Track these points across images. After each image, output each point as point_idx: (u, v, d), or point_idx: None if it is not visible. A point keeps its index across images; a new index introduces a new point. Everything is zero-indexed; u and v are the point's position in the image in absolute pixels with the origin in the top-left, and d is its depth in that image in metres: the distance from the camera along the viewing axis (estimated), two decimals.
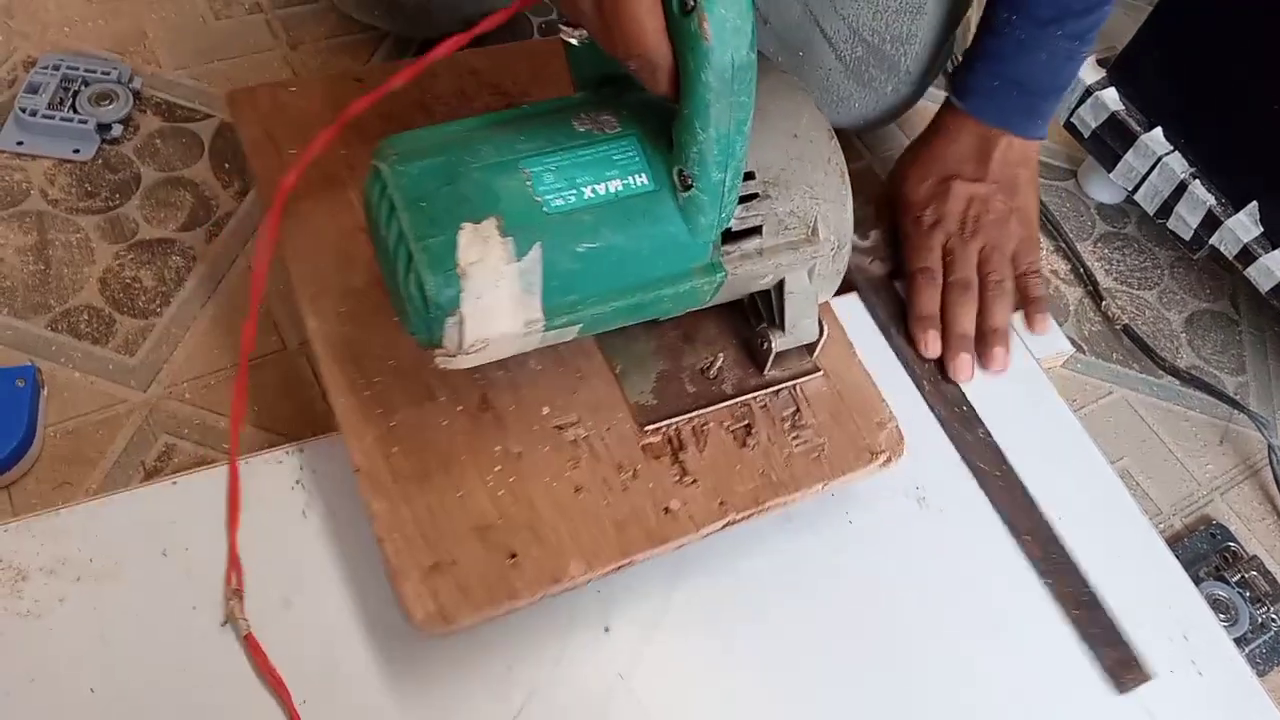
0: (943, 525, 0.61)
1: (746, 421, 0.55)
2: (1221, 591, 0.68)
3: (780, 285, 0.52)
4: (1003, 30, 0.69)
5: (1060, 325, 0.78)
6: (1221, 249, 0.80)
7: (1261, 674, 0.65)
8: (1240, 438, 0.79)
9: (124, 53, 0.77)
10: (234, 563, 0.50)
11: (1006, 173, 0.71)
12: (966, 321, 0.67)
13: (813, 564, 0.57)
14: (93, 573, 0.49)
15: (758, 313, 0.55)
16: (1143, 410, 0.79)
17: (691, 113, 0.41)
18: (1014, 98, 0.70)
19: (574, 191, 0.43)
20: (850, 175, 0.52)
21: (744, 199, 0.47)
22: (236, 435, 0.53)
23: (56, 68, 0.72)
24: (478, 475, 0.49)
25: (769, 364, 0.55)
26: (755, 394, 0.55)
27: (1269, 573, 0.70)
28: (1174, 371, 0.80)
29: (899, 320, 0.68)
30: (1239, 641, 0.65)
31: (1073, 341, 0.80)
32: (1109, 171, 0.85)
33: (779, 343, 0.54)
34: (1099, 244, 0.89)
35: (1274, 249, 0.76)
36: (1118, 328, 0.83)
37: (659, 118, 0.44)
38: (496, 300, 0.42)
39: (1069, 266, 0.87)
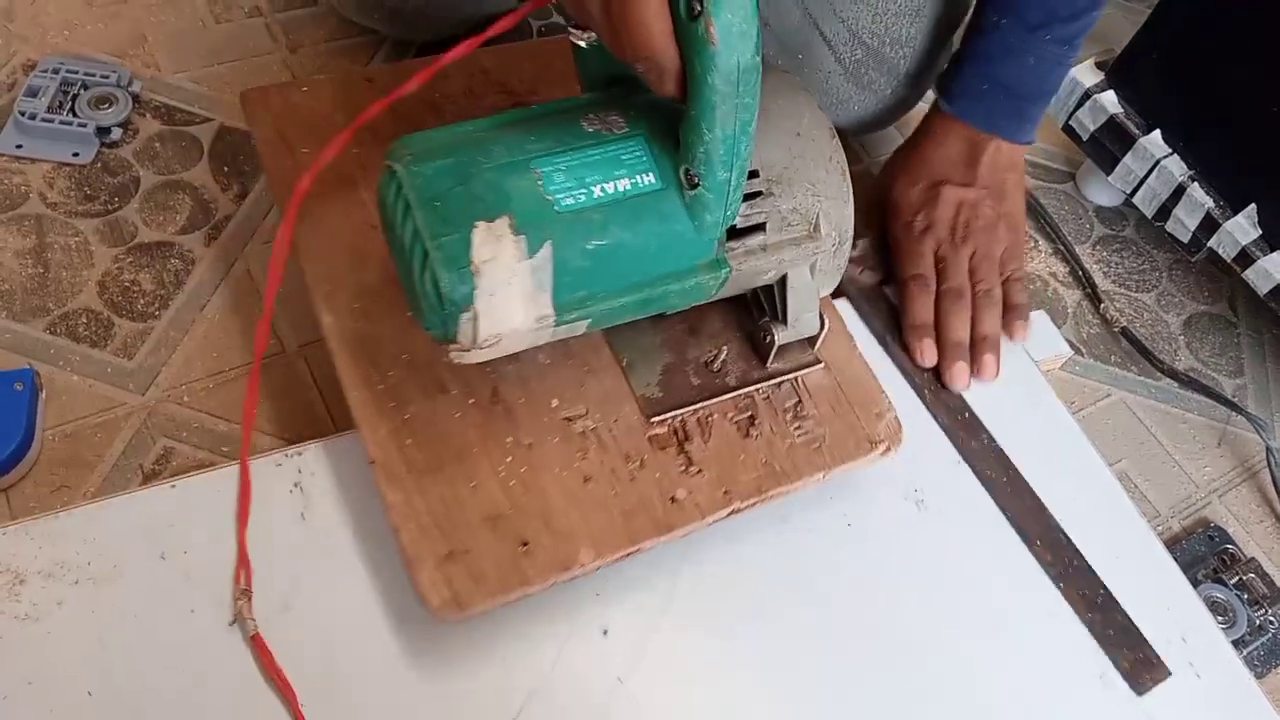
0: (943, 528, 0.61)
1: (750, 413, 0.56)
2: (1219, 594, 0.68)
3: (783, 280, 0.53)
4: (991, 34, 0.69)
5: (1059, 328, 0.78)
6: (1220, 252, 0.80)
7: (1260, 676, 0.65)
8: (1238, 440, 0.79)
9: (123, 56, 0.77)
10: (243, 562, 0.50)
11: (995, 178, 0.71)
12: (961, 330, 0.67)
13: (811, 567, 0.57)
14: (91, 576, 0.49)
15: (760, 307, 0.57)
16: (1141, 412, 0.79)
17: (698, 114, 0.42)
18: (1002, 102, 0.70)
19: (584, 190, 0.44)
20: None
21: (748, 197, 0.48)
22: (249, 433, 0.53)
23: (56, 71, 0.72)
24: (489, 466, 0.51)
25: (771, 357, 0.56)
26: (758, 386, 0.57)
27: (1267, 575, 0.70)
28: (1172, 374, 0.80)
29: (894, 329, 0.68)
30: (1237, 644, 0.65)
31: (1071, 344, 0.80)
32: (1107, 174, 0.86)
33: (781, 336, 0.55)
34: (1097, 246, 0.89)
35: (1272, 251, 0.77)
36: (1116, 330, 0.83)
37: (665, 118, 0.46)
38: (509, 297, 0.43)
39: (1067, 269, 0.87)
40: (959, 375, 0.66)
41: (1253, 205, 0.77)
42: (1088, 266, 0.87)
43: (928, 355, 0.66)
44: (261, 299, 0.67)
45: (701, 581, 0.55)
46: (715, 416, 0.55)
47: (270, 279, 0.50)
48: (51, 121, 0.70)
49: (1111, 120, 0.83)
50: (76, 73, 0.73)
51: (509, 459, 0.51)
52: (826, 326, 0.56)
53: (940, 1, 0.73)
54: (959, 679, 0.56)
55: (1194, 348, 0.84)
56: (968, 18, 0.73)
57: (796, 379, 0.58)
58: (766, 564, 0.57)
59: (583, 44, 0.45)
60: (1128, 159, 0.83)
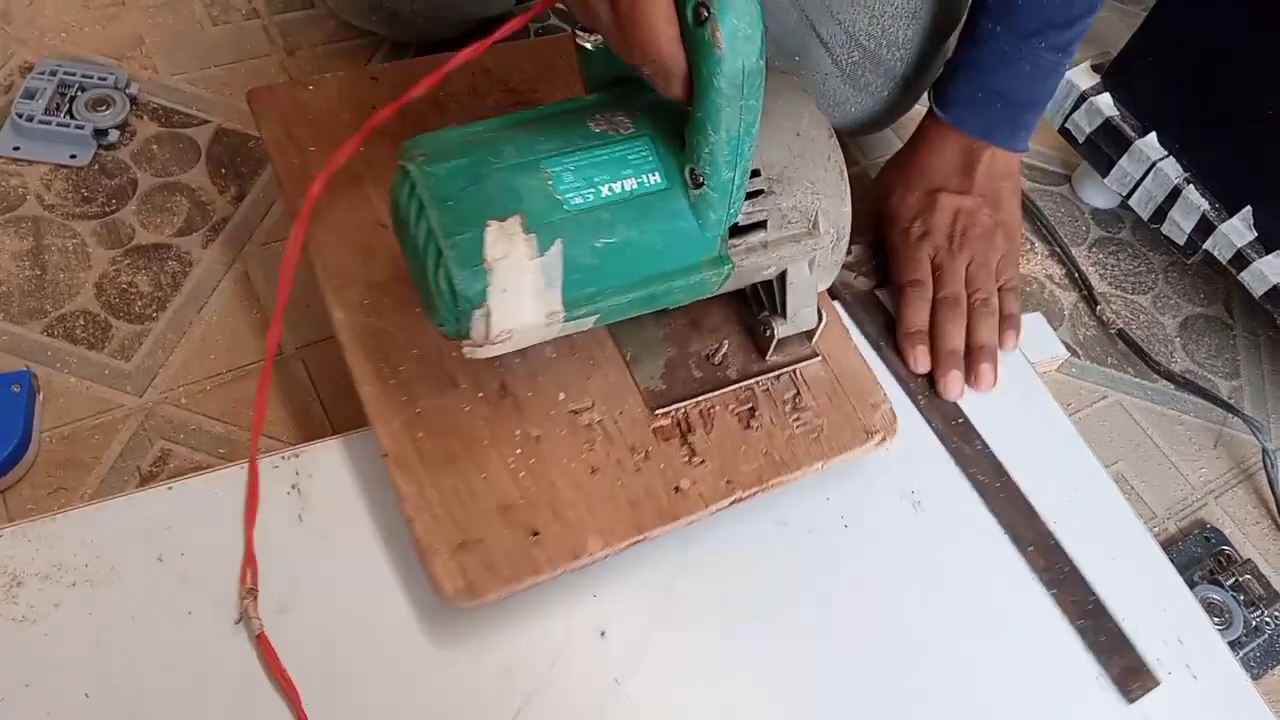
0: (940, 530, 0.61)
1: (750, 404, 0.58)
2: (1216, 595, 0.68)
3: (782, 276, 0.54)
4: (986, 41, 0.69)
5: (1055, 330, 0.79)
6: (1215, 254, 0.80)
7: (1256, 677, 0.66)
8: (1234, 442, 0.79)
9: (121, 58, 0.77)
10: (249, 561, 0.50)
11: (991, 185, 0.72)
12: (956, 338, 0.67)
13: (808, 568, 0.57)
14: (88, 578, 0.49)
15: (760, 301, 0.58)
16: (1137, 414, 0.79)
17: (704, 116, 0.43)
18: (997, 109, 0.70)
19: (592, 190, 0.45)
20: None
21: (750, 195, 0.50)
22: (258, 431, 0.53)
23: (53, 73, 0.72)
24: (499, 458, 0.52)
25: (771, 350, 0.58)
26: (758, 378, 0.58)
27: (1263, 576, 0.70)
28: (1168, 376, 0.80)
29: (887, 334, 0.68)
30: (1233, 645, 0.65)
31: (1067, 346, 0.80)
32: (1103, 177, 0.86)
33: (781, 330, 0.56)
34: (1094, 249, 0.90)
35: (1268, 253, 0.77)
36: (1112, 332, 0.83)
37: (669, 119, 0.47)
38: (521, 293, 0.44)
39: (1064, 271, 0.87)
40: (952, 384, 0.66)
41: (1248, 207, 0.77)
42: (1084, 269, 0.87)
43: (921, 362, 0.66)
44: (259, 300, 0.67)
45: (699, 583, 0.55)
46: (717, 408, 0.57)
47: (283, 277, 0.51)
48: (49, 123, 0.70)
49: (1107, 123, 0.84)
50: (74, 75, 0.73)
51: (518, 451, 0.52)
52: (824, 320, 0.58)
53: (936, 4, 0.73)
54: (954, 680, 0.56)
55: (1190, 350, 0.85)
56: (962, 23, 0.73)
57: (795, 372, 0.59)
58: (763, 565, 0.57)
59: (588, 46, 0.46)
60: (1124, 161, 0.83)
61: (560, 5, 0.45)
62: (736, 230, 0.50)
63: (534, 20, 0.89)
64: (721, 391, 0.57)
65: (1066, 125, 0.87)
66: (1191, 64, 0.79)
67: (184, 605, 0.49)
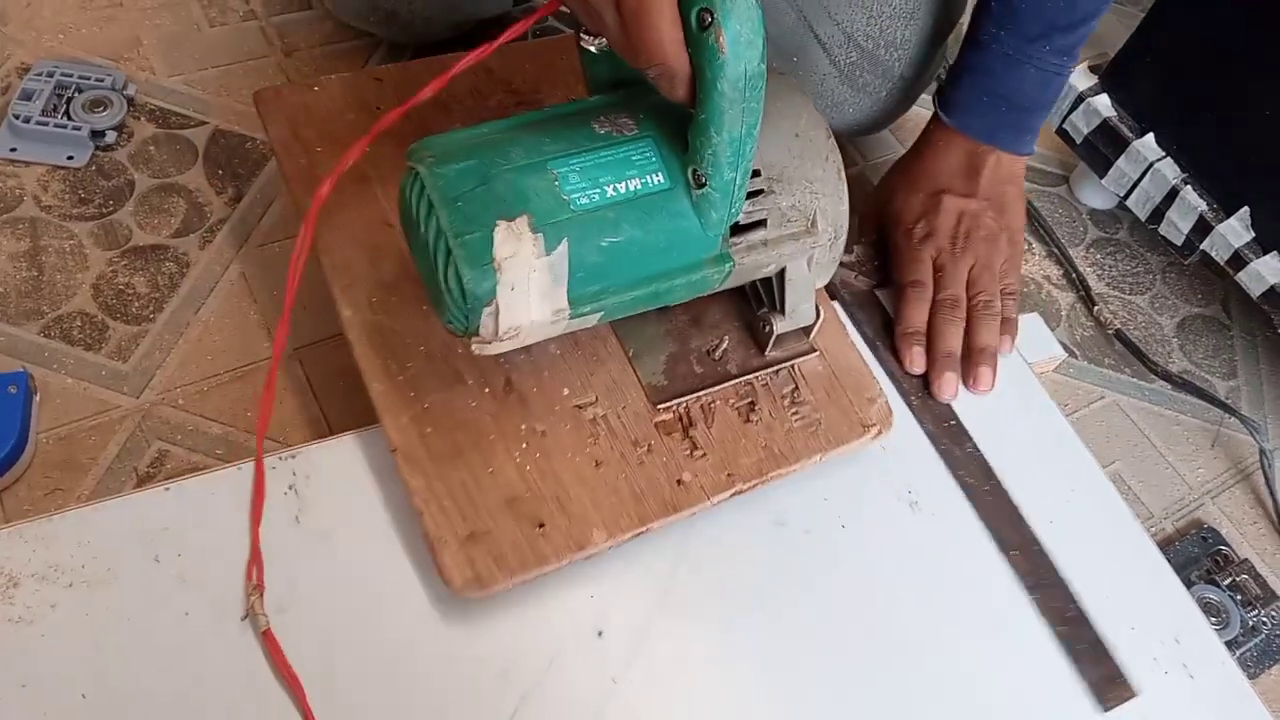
0: (933, 531, 0.61)
1: (750, 399, 0.59)
2: (1213, 595, 0.68)
3: (781, 273, 0.55)
4: (990, 46, 0.69)
5: (1052, 330, 0.79)
6: (1213, 254, 0.80)
7: (1253, 677, 0.66)
8: (1231, 442, 0.79)
9: (118, 59, 0.77)
10: (256, 557, 0.50)
11: (996, 189, 0.71)
12: (953, 340, 0.66)
13: (805, 568, 0.57)
14: (85, 579, 0.49)
15: (759, 298, 0.59)
16: (1134, 414, 0.80)
17: (707, 118, 0.44)
18: (1002, 113, 0.70)
19: (597, 190, 0.46)
20: None
21: (750, 195, 0.51)
22: (263, 430, 0.53)
23: (51, 74, 0.72)
24: (506, 452, 0.53)
25: (770, 345, 0.59)
26: (757, 373, 0.59)
27: (1260, 576, 0.70)
28: (1166, 376, 0.81)
29: (884, 334, 0.68)
30: (1230, 644, 0.65)
31: (1065, 346, 0.80)
32: (1101, 177, 0.86)
33: (779, 326, 0.58)
34: (1091, 249, 0.90)
35: (1265, 254, 0.77)
36: (1110, 332, 0.83)
37: (672, 121, 0.48)
38: (528, 291, 0.45)
39: (1061, 272, 0.87)
40: (947, 386, 0.65)
41: (1246, 208, 0.77)
42: (1082, 269, 0.87)
43: (917, 362, 0.66)
44: (257, 301, 0.67)
45: (696, 582, 0.55)
46: (717, 403, 0.58)
47: (291, 276, 0.51)
48: (46, 125, 0.70)
49: (1105, 123, 0.84)
50: (71, 76, 0.73)
51: (524, 445, 0.53)
52: (822, 317, 0.59)
53: (934, 6, 0.73)
54: (943, 681, 0.56)
55: (1187, 350, 0.85)
56: (964, 26, 0.73)
57: (793, 367, 0.61)
58: (761, 565, 0.57)
59: (592, 49, 0.47)
60: (1121, 162, 0.83)
61: (563, 9, 0.45)
62: (737, 229, 0.51)
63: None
64: (722, 386, 0.58)
65: (1064, 126, 0.87)
66: (1189, 65, 0.79)
67: (181, 606, 0.49)
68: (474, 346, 0.47)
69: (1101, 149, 0.85)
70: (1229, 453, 0.79)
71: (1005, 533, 0.61)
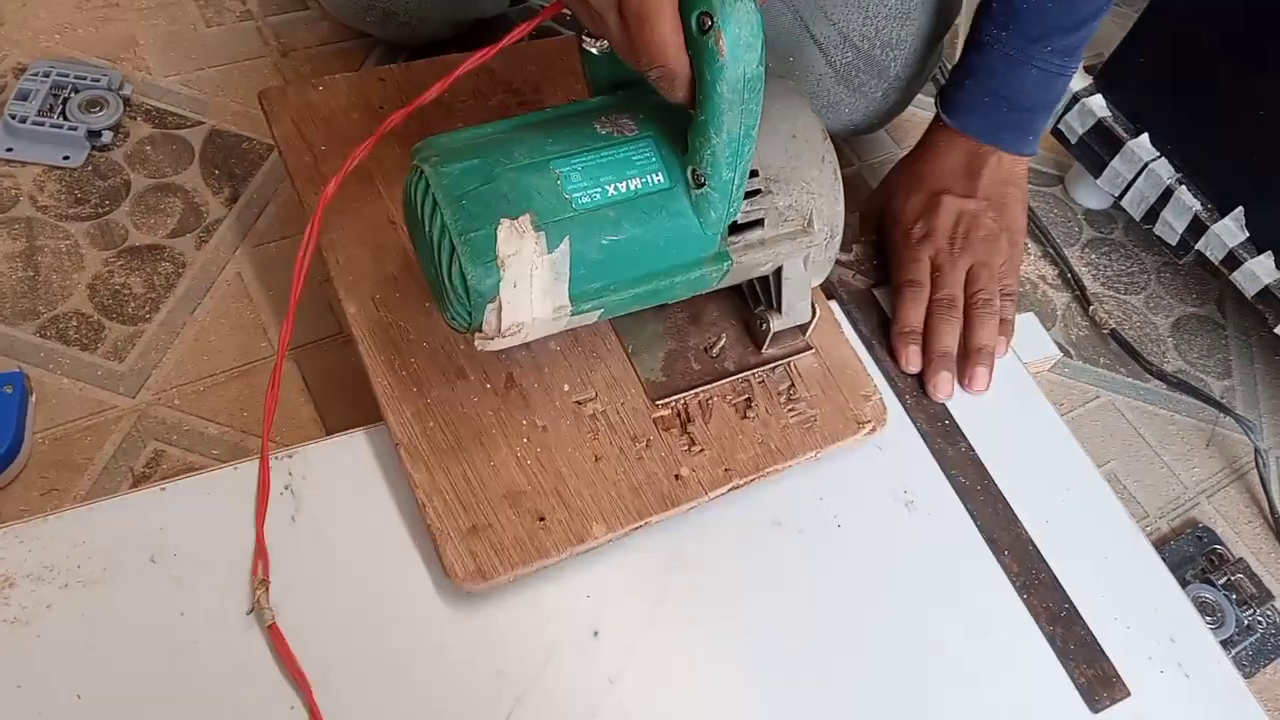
0: (927, 531, 0.61)
1: (747, 395, 0.60)
2: (1208, 594, 0.68)
3: (778, 272, 0.56)
4: (992, 47, 0.69)
5: (1048, 330, 0.79)
6: (1207, 254, 0.80)
7: (1248, 676, 0.66)
8: (1226, 441, 0.80)
9: (115, 59, 0.77)
10: (261, 552, 0.50)
11: (996, 190, 0.71)
12: (949, 339, 0.66)
13: (800, 568, 0.57)
14: (80, 579, 0.49)
15: (756, 296, 0.60)
16: (1129, 414, 0.80)
17: (706, 119, 0.45)
18: (1004, 114, 0.70)
19: (599, 189, 0.47)
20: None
21: (748, 194, 0.52)
22: (269, 423, 0.54)
23: (47, 74, 0.72)
24: (507, 447, 0.54)
25: (767, 343, 0.60)
26: (754, 370, 0.60)
27: (1255, 575, 0.70)
28: (1161, 375, 0.81)
29: (881, 333, 0.68)
30: (1226, 643, 0.66)
31: (1060, 346, 0.81)
32: (1096, 177, 0.86)
33: (776, 323, 0.59)
34: (1086, 249, 0.90)
35: (1259, 254, 0.77)
36: (1105, 332, 0.83)
37: (672, 122, 0.49)
38: (530, 288, 0.46)
39: (1056, 271, 0.87)
40: (942, 385, 0.65)
41: (1240, 208, 0.77)
42: (1077, 269, 0.87)
43: (912, 361, 0.66)
44: (253, 301, 0.67)
45: (692, 583, 0.55)
46: (715, 399, 0.59)
47: (297, 274, 0.52)
48: (42, 125, 0.70)
49: (1100, 124, 0.84)
50: (67, 76, 0.73)
51: (525, 440, 0.54)
52: (818, 315, 0.60)
53: (930, 6, 0.73)
54: (941, 679, 0.56)
55: (1182, 350, 0.85)
56: (961, 26, 0.73)
57: (790, 364, 0.61)
58: (755, 565, 0.57)
59: (594, 51, 0.48)
60: (1116, 162, 0.84)
61: (565, 11, 0.46)
62: (735, 228, 0.52)
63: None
64: (719, 383, 0.59)
65: (1059, 126, 0.87)
66: (1183, 65, 0.79)
67: (177, 606, 0.49)
68: (477, 342, 0.48)
69: (1096, 149, 0.85)
70: (1224, 452, 0.79)
71: (999, 532, 0.61)
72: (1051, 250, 0.88)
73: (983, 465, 0.64)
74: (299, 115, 0.62)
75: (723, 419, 0.58)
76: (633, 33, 0.42)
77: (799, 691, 0.54)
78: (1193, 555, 0.71)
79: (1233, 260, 0.78)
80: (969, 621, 0.58)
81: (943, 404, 0.66)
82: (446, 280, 0.46)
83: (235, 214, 0.71)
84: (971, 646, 0.57)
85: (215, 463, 0.59)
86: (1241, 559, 0.71)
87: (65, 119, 0.71)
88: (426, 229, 0.46)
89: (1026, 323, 0.76)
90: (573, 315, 0.48)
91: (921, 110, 0.80)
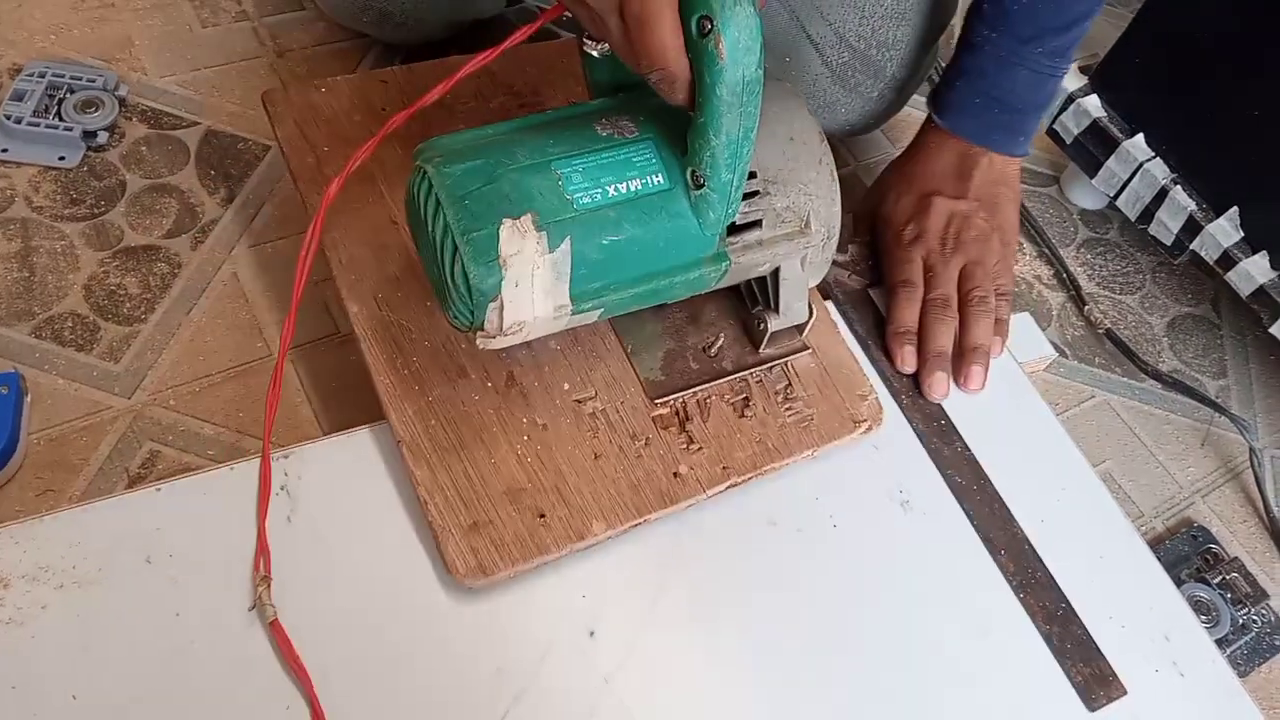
0: (923, 530, 0.61)
1: (744, 395, 0.60)
2: (1203, 593, 0.68)
3: (775, 272, 0.57)
4: (983, 48, 0.69)
5: (1043, 330, 0.79)
6: (1202, 254, 0.80)
7: (1243, 675, 0.66)
8: (1221, 440, 0.80)
9: (110, 60, 0.77)
10: (262, 549, 0.50)
11: (987, 191, 0.71)
12: (944, 339, 0.66)
13: (797, 567, 0.57)
14: (75, 580, 0.49)
15: (754, 297, 0.61)
16: (1125, 414, 0.80)
17: (706, 121, 0.45)
18: (995, 115, 0.70)
19: (599, 190, 0.48)
20: None
21: (746, 196, 0.52)
22: (271, 422, 0.54)
23: (42, 75, 0.72)
24: (508, 444, 0.55)
25: (764, 343, 0.61)
26: (752, 370, 0.61)
27: (1250, 574, 0.71)
28: (1156, 375, 0.81)
29: (877, 333, 0.68)
30: (1221, 643, 0.66)
31: (1055, 346, 0.81)
32: (1091, 178, 0.86)
33: (773, 323, 0.59)
34: (1082, 249, 0.90)
35: (1254, 254, 0.77)
36: (1100, 332, 0.83)
37: (672, 123, 0.49)
38: (532, 287, 0.47)
39: (1052, 272, 0.88)
40: (937, 385, 0.65)
41: (1235, 208, 0.78)
42: (1072, 269, 0.87)
43: (908, 361, 0.66)
44: (249, 302, 0.67)
45: (688, 582, 0.55)
46: (713, 398, 0.59)
47: (299, 273, 0.52)
48: (37, 125, 0.70)
49: (1095, 124, 0.84)
50: (62, 76, 0.72)
51: (525, 438, 0.55)
52: (814, 315, 0.60)
53: (926, 6, 0.74)
54: (937, 679, 0.56)
55: (1177, 349, 0.85)
56: (956, 27, 0.73)
57: (787, 364, 0.62)
58: (752, 564, 0.57)
59: (595, 54, 0.48)
60: (1111, 162, 0.84)
61: (566, 14, 0.46)
62: (734, 229, 0.52)
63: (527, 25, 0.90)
64: (717, 382, 0.60)
65: (1054, 126, 0.87)
66: (1179, 65, 0.79)
67: (173, 607, 0.49)
68: (479, 341, 0.48)
69: (1091, 149, 0.85)
70: (1219, 451, 0.79)
71: (996, 531, 0.62)
72: (1047, 250, 0.88)
73: (978, 465, 0.64)
74: (301, 116, 0.63)
75: (721, 418, 0.59)
76: (633, 36, 0.43)
77: (795, 690, 0.54)
78: (1188, 554, 0.71)
79: (1228, 260, 0.78)
80: (966, 620, 0.58)
81: (938, 404, 0.66)
82: (449, 279, 0.46)
83: (231, 214, 0.71)
84: (968, 645, 0.57)
85: (211, 463, 0.59)
86: (1236, 558, 0.72)
87: (60, 119, 0.71)
88: (430, 228, 0.47)
89: (1022, 322, 0.77)
90: (573, 314, 0.49)
91: (917, 111, 0.80)
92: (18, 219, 0.68)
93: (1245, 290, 0.78)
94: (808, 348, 0.62)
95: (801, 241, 0.55)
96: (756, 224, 0.53)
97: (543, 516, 0.53)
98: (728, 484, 0.56)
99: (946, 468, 0.63)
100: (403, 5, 0.75)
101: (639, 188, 0.48)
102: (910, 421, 0.65)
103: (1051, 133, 0.88)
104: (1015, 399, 0.69)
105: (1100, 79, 0.85)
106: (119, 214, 0.70)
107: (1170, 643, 0.60)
